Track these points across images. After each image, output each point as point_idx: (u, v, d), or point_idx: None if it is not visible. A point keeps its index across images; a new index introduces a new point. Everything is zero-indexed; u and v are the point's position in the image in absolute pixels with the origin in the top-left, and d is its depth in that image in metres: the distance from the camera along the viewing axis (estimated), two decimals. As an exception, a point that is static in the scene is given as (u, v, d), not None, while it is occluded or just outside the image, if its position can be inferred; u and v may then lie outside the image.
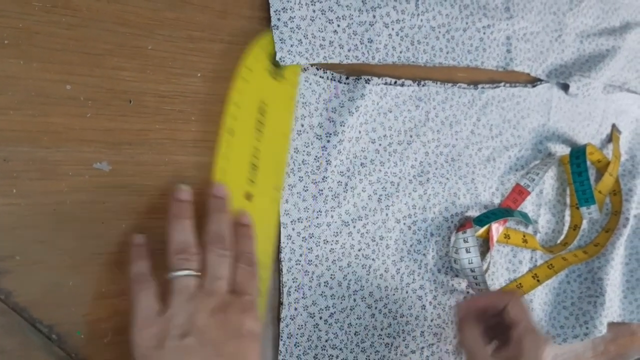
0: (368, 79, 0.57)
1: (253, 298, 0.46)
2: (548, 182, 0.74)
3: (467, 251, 0.61)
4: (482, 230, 0.65)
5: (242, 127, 0.50)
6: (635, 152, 0.82)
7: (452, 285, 0.65)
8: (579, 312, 0.75)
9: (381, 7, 0.57)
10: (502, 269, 0.70)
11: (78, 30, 0.44)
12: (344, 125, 0.56)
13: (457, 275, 0.65)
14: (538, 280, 0.70)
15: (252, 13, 0.52)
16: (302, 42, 0.52)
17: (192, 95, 0.49)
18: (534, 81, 0.72)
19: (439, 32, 0.62)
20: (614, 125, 0.80)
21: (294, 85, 0.54)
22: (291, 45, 0.52)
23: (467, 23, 0.64)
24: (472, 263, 0.61)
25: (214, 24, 0.50)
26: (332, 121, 0.56)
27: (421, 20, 0.60)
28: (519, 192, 0.67)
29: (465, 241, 0.62)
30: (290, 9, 0.52)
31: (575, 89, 0.73)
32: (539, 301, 0.73)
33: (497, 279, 0.69)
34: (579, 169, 0.70)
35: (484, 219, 0.65)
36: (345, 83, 0.56)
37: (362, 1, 0.56)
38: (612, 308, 0.79)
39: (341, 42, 0.55)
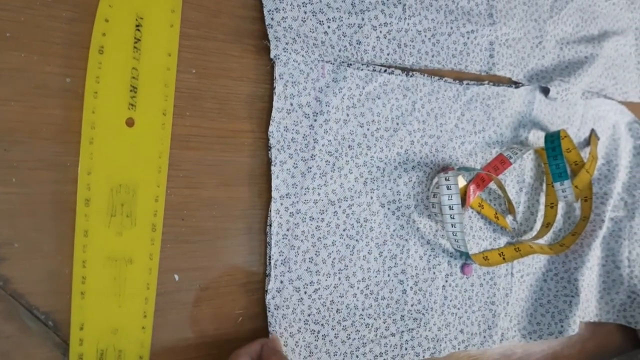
0: (350, 63, 0.58)
1: None
2: (527, 173, 0.76)
3: (448, 188, 0.62)
4: (460, 186, 0.66)
5: (114, 45, 0.47)
6: (612, 157, 0.84)
7: (434, 272, 0.67)
8: (555, 310, 0.77)
9: (370, 10, 0.59)
10: (483, 235, 0.72)
11: (78, 24, 0.45)
12: (329, 105, 0.57)
13: (436, 222, 0.66)
14: (504, 259, 0.71)
15: (245, 12, 0.53)
16: (296, 41, 0.54)
17: (187, 91, 0.51)
18: (517, 83, 0.74)
19: (425, 35, 0.64)
20: (593, 130, 0.82)
21: None
22: (286, 43, 0.53)
23: (451, 28, 0.66)
24: (451, 200, 0.62)
25: (208, 23, 0.52)
26: (319, 100, 0.57)
27: (408, 24, 0.62)
28: (501, 161, 0.68)
29: (447, 179, 0.62)
30: (283, 10, 0.53)
31: (555, 93, 0.75)
32: (516, 297, 0.75)
33: (475, 244, 0.71)
34: (553, 148, 0.71)
35: (465, 169, 0.67)
36: (331, 63, 0.57)
37: (352, 4, 0.58)
38: (589, 308, 0.81)
39: (331, 42, 0.57)
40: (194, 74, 0.51)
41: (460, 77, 0.68)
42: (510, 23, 0.71)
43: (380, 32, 0.60)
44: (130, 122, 0.48)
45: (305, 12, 0.55)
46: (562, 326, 0.76)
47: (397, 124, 0.63)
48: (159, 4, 0.49)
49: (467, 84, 0.68)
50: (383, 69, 0.61)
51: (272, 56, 0.53)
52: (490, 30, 0.69)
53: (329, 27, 0.56)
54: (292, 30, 0.54)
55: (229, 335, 0.54)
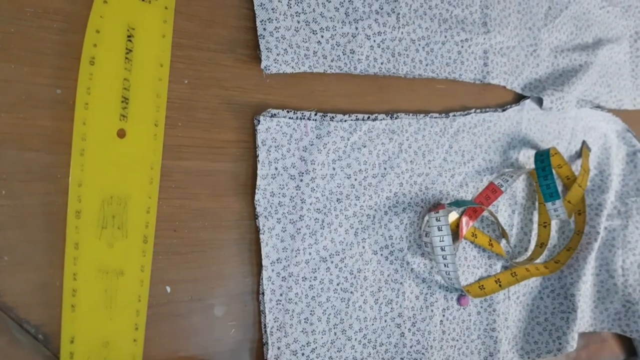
0: (332, 116, 0.58)
1: None
2: (520, 194, 0.76)
3: (439, 229, 0.62)
4: (452, 220, 0.66)
5: (105, 56, 0.46)
6: (604, 167, 0.84)
7: (431, 310, 0.66)
8: (552, 328, 0.76)
9: (363, 19, 0.59)
10: (478, 263, 0.71)
11: (69, 35, 0.45)
12: (314, 163, 0.57)
13: (430, 260, 0.66)
14: (500, 286, 0.71)
15: (238, 23, 0.53)
16: (287, 52, 0.54)
17: (179, 101, 0.51)
18: (503, 104, 0.73)
19: (419, 44, 0.64)
20: (584, 142, 0.82)
21: (168, 6, 0.50)
22: (277, 54, 0.53)
23: (445, 37, 0.65)
24: (443, 241, 0.62)
25: (201, 33, 0.52)
26: (304, 160, 0.56)
27: (402, 33, 0.62)
28: (493, 190, 0.68)
29: (438, 220, 0.62)
30: (276, 19, 0.53)
31: (549, 102, 0.75)
32: (513, 318, 0.75)
33: (471, 274, 0.70)
34: (543, 168, 0.71)
35: (456, 203, 0.66)
36: (313, 119, 0.57)
37: (345, 13, 0.58)
38: (584, 319, 0.81)
39: (324, 52, 0.56)
40: (186, 85, 0.51)
41: (444, 102, 0.68)
42: (505, 31, 0.71)
43: (374, 41, 0.60)
44: (121, 134, 0.47)
45: (299, 22, 0.55)
46: (560, 343, 0.76)
47: (385, 168, 0.62)
48: (151, 14, 0.49)
49: (454, 115, 0.67)
50: (366, 116, 0.60)
51: (262, 67, 0.52)
52: (484, 38, 0.69)
53: (322, 36, 0.56)
54: (285, 40, 0.53)
55: (221, 346, 0.54)
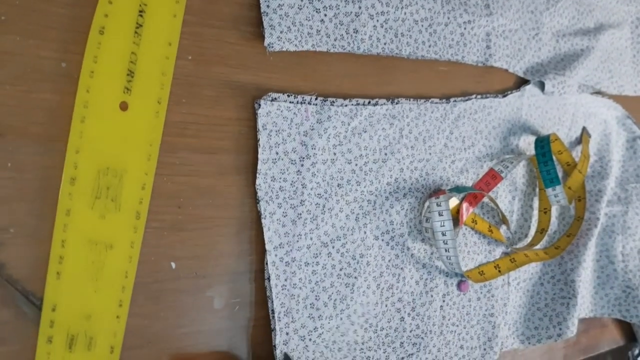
0: (333, 101, 0.58)
1: None
2: (520, 180, 0.76)
3: (440, 214, 0.62)
4: (452, 206, 0.67)
5: (115, 27, 0.47)
6: (604, 154, 0.84)
7: (431, 295, 0.67)
8: (552, 314, 0.77)
9: (367, -2, 0.59)
10: (478, 249, 0.72)
11: (75, 9, 0.45)
12: (315, 148, 0.57)
13: (430, 245, 0.66)
14: (499, 271, 0.71)
15: (242, -1, 0.53)
16: (290, 29, 0.54)
17: (183, 78, 0.51)
18: (504, 90, 0.73)
19: (422, 25, 0.63)
20: (584, 128, 0.82)
21: None
22: (280, 32, 0.53)
23: (448, 18, 0.65)
24: (443, 226, 0.62)
25: (205, 9, 0.51)
26: (305, 145, 0.56)
27: (405, 13, 0.62)
28: (493, 177, 0.68)
29: (439, 205, 0.62)
30: (280, -3, 0.53)
31: (551, 86, 0.75)
32: (513, 304, 0.75)
33: (470, 260, 0.71)
34: (543, 154, 0.71)
35: (456, 189, 0.66)
36: (314, 104, 0.57)
37: (349, -8, 0.58)
38: (584, 304, 0.81)
39: (327, 31, 0.56)
40: (190, 61, 0.51)
41: (446, 94, 0.68)
42: (507, 14, 0.71)
43: (377, 21, 0.60)
44: (124, 106, 0.47)
45: (302, 0, 0.55)
46: (560, 329, 0.76)
47: (386, 154, 0.62)
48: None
49: (454, 101, 0.68)
50: (367, 101, 0.60)
51: (265, 44, 0.52)
52: (487, 20, 0.69)
53: (325, 15, 0.56)
54: (288, 18, 0.53)
55: (224, 323, 0.54)
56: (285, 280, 0.56)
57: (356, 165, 0.60)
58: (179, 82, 0.50)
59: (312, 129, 0.57)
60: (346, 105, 0.59)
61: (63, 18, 0.45)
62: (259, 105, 0.53)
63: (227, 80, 0.53)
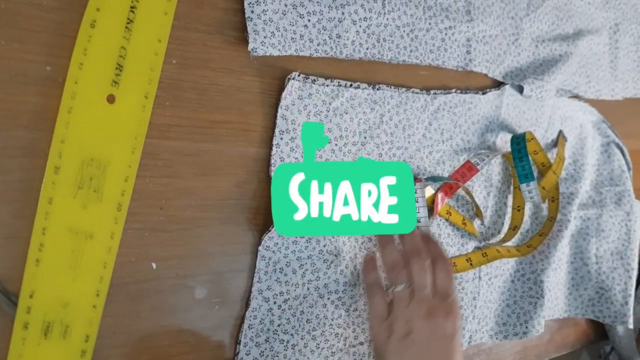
0: (315, 79, 0.58)
1: (454, 299, 0.58)
2: (495, 177, 0.77)
3: (416, 201, 0.63)
4: (427, 195, 0.68)
5: (106, 21, 0.47)
6: (578, 157, 0.85)
7: None
8: (520, 311, 0.78)
9: (350, 4, 0.59)
10: (451, 241, 0.73)
11: (60, 13, 0.45)
12: (295, 123, 0.58)
13: None
14: (471, 264, 0.72)
15: (226, 4, 0.54)
16: (274, 35, 0.54)
17: (167, 81, 0.51)
18: (484, 88, 0.75)
19: (404, 31, 0.64)
20: (561, 132, 0.83)
21: None
22: (264, 37, 0.53)
23: (430, 24, 0.66)
24: (418, 212, 0.64)
25: (190, 14, 0.52)
26: (285, 118, 0.57)
27: (387, 19, 0.63)
28: (469, 168, 0.69)
29: (414, 192, 0.63)
30: (263, 2, 0.54)
31: (529, 90, 0.76)
32: (484, 298, 0.76)
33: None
34: (519, 150, 0.73)
35: (432, 179, 0.68)
36: (297, 80, 0.57)
37: (332, -2, 0.59)
38: (558, 305, 0.83)
39: (311, 36, 0.57)
40: (175, 64, 0.51)
41: (427, 87, 0.69)
42: (488, 20, 0.72)
43: (360, 26, 0.61)
44: (111, 99, 0.48)
45: (286, 5, 0.55)
46: (526, 327, 0.78)
47: (365, 137, 0.63)
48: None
49: (435, 93, 0.69)
50: (349, 83, 0.61)
51: (249, 49, 0.53)
52: (467, 26, 0.70)
53: (309, 20, 0.57)
54: (272, 23, 0.54)
55: (206, 322, 0.55)
56: (259, 244, 0.57)
57: (336, 145, 0.61)
58: (163, 85, 0.51)
59: (292, 104, 0.58)
60: (327, 85, 0.59)
61: (48, 22, 0.45)
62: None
63: (211, 83, 0.53)
